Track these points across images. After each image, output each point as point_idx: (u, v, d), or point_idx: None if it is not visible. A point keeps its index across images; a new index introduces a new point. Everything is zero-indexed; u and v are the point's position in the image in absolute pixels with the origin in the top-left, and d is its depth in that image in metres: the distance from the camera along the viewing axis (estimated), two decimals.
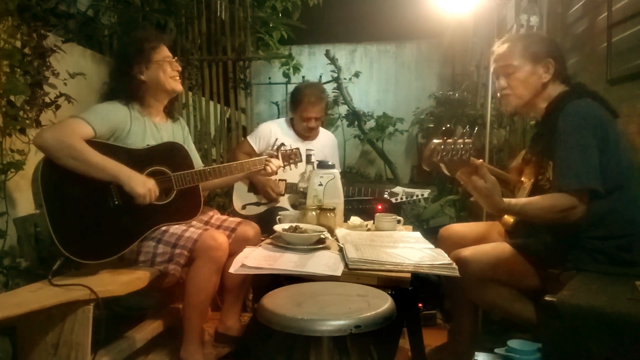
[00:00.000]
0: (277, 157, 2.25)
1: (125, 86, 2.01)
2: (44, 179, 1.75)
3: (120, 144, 1.93)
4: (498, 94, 1.86)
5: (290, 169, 2.34)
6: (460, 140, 1.46)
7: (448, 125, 1.50)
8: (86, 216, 1.82)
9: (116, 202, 1.86)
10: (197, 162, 2.22)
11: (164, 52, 2.08)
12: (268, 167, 2.20)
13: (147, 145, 1.99)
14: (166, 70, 2.05)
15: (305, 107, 2.81)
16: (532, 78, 1.75)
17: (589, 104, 1.64)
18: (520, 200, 1.63)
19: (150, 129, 2.06)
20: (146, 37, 2.09)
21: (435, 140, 1.49)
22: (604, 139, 1.58)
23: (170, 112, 2.21)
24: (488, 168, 1.57)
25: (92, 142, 1.82)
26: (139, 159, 1.92)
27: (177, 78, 2.11)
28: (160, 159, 1.98)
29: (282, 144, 2.31)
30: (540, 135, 1.83)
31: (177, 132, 2.21)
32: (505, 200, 1.56)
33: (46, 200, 1.73)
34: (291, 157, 2.31)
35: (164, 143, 2.06)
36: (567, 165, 1.57)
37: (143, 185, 1.83)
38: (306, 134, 2.90)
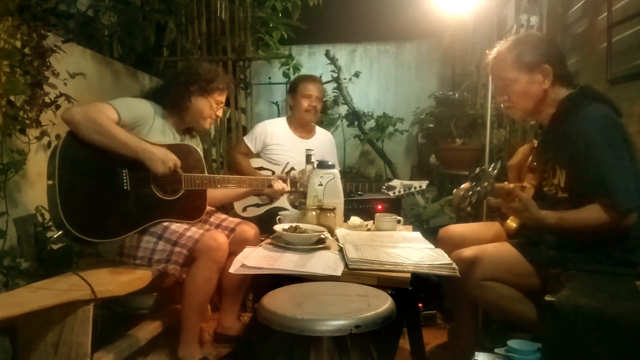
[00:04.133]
0: (285, 181, 2.28)
1: (173, 92, 2.10)
2: (63, 152, 1.81)
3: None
4: (501, 105, 1.82)
5: (298, 196, 2.34)
6: (485, 180, 1.49)
7: (477, 171, 1.55)
8: (94, 195, 1.87)
9: (125, 187, 1.90)
10: None
11: (222, 97, 2.19)
12: (274, 185, 2.23)
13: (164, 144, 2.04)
14: (212, 110, 2.16)
15: (306, 85, 2.84)
16: (531, 87, 1.69)
17: (604, 109, 1.60)
18: (556, 213, 1.60)
19: (169, 134, 2.12)
20: (222, 77, 2.19)
21: (463, 186, 1.52)
22: (627, 145, 1.56)
23: (190, 130, 2.28)
24: (495, 190, 1.57)
25: None
26: None
27: (212, 121, 2.23)
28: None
29: (292, 169, 2.32)
30: (547, 142, 1.78)
31: (191, 144, 2.24)
32: (542, 212, 1.58)
33: (60, 173, 1.78)
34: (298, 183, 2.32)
35: (180, 144, 2.13)
36: (614, 182, 1.52)
37: (163, 164, 1.89)
38: (306, 119, 2.86)
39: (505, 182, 1.61)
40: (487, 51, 1.86)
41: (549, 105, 1.72)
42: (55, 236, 1.77)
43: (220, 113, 2.22)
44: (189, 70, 2.17)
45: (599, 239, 1.60)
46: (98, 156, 1.85)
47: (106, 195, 1.89)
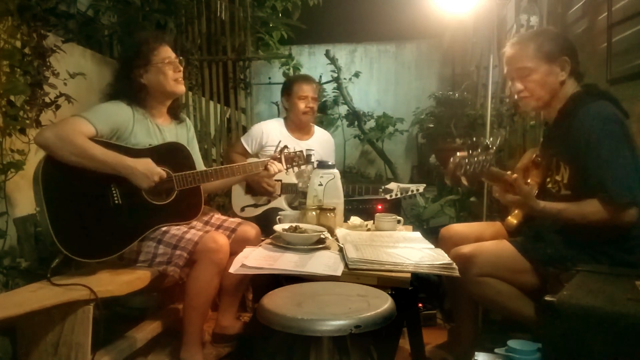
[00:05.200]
0: (280, 159, 2.23)
1: (127, 89, 2.00)
2: (45, 177, 1.74)
3: (122, 144, 1.92)
4: (515, 97, 1.82)
5: (294, 172, 2.32)
6: (483, 154, 1.48)
7: (474, 139, 1.52)
8: (86, 215, 1.81)
9: (116, 202, 1.85)
10: (199, 164, 2.21)
11: (165, 53, 2.04)
12: (270, 168, 2.19)
13: (150, 145, 1.99)
14: (167, 72, 2.02)
15: (300, 86, 2.80)
16: (549, 78, 1.70)
17: (608, 106, 1.61)
18: (556, 205, 1.62)
19: (154, 130, 2.05)
20: (145, 38, 2.06)
21: (459, 154, 1.50)
22: (630, 142, 1.57)
23: (175, 114, 2.18)
24: (494, 171, 1.57)
25: (94, 142, 1.81)
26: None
27: (180, 79, 2.07)
28: (162, 159, 1.96)
29: (286, 147, 2.29)
30: (551, 138, 1.79)
31: (181, 134, 2.19)
32: (541, 203, 1.59)
33: (46, 199, 1.72)
34: (294, 160, 2.28)
35: (166, 143, 2.05)
36: (613, 176, 1.53)
37: (147, 179, 1.83)
38: (304, 121, 2.84)
39: (508, 172, 1.60)
40: (505, 41, 1.87)
41: (559, 100, 1.74)
42: (53, 264, 1.73)
43: (179, 66, 2.09)
44: (121, 62, 2.10)
45: (599, 239, 1.60)
46: (82, 175, 1.77)
47: (99, 214, 1.82)
